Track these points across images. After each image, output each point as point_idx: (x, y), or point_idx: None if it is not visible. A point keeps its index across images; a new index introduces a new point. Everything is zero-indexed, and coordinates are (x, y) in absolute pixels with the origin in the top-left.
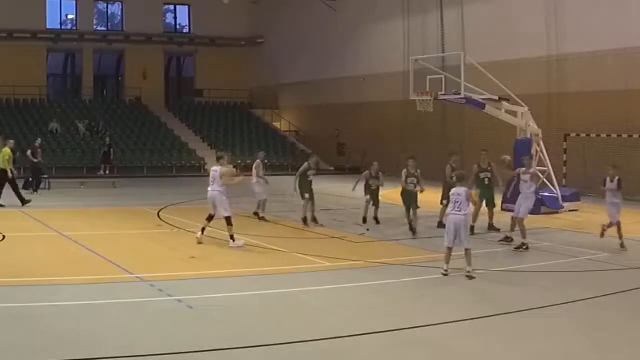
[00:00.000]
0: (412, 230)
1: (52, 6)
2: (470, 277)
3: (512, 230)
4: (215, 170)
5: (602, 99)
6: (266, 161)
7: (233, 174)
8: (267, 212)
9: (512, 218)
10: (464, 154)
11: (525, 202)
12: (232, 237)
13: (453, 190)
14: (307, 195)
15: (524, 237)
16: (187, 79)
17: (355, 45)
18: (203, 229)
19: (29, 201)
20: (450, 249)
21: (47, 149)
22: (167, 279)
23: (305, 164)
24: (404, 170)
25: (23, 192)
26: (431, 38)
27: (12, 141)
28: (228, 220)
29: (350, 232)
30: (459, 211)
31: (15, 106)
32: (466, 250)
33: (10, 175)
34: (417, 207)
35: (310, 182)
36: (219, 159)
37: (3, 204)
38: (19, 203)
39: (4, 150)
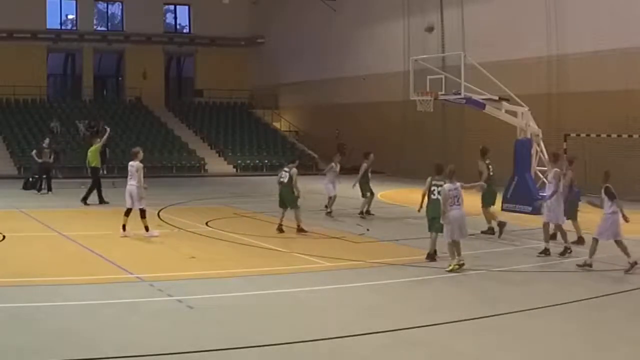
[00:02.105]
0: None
1: (52, 6)
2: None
3: (579, 242)
4: (132, 165)
5: (602, 99)
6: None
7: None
8: (268, 211)
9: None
10: (463, 154)
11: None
12: (146, 228)
13: (449, 186)
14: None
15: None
16: (187, 79)
17: (355, 45)
18: (124, 226)
19: (107, 202)
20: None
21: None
22: (167, 279)
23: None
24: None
25: (22, 193)
26: (431, 38)
27: (98, 139)
28: (142, 212)
29: (350, 232)
30: (459, 205)
31: (15, 106)
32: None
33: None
34: (297, 206)
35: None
36: (134, 154)
37: (89, 202)
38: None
39: (93, 147)
